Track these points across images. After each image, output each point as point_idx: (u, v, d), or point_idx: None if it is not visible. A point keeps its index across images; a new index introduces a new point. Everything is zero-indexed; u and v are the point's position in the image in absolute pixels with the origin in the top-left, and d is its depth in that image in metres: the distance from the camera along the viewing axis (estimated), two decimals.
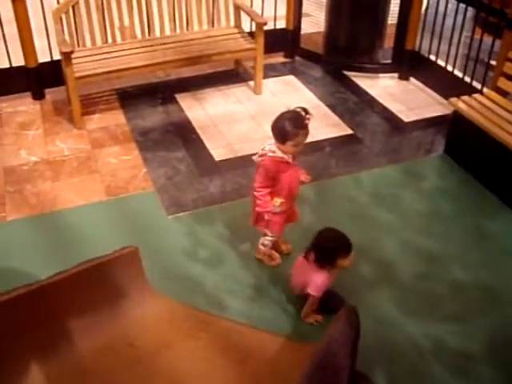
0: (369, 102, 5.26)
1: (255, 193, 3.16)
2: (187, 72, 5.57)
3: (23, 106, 5.15)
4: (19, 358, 2.57)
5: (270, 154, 3.03)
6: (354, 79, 5.61)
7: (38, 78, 5.18)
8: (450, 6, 5.05)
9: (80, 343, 2.71)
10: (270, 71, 5.62)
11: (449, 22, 5.04)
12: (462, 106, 4.20)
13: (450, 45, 5.03)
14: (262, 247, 3.41)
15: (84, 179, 4.20)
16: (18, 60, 5.10)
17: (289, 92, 5.39)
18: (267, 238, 3.34)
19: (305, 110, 2.97)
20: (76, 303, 2.74)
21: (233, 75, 5.68)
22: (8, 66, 5.12)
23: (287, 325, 3.06)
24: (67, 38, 4.83)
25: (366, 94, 5.38)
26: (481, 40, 4.72)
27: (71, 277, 2.69)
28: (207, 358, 2.79)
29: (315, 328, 2.98)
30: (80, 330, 2.73)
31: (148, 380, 2.64)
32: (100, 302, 2.80)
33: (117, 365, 2.70)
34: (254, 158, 3.12)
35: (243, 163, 4.31)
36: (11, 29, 4.94)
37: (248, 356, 2.77)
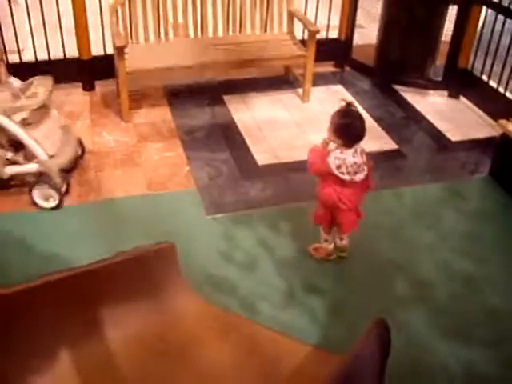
0: (416, 118, 5.20)
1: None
2: (236, 75, 5.61)
3: (73, 95, 5.24)
4: (52, 343, 2.60)
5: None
6: (403, 94, 5.57)
7: (90, 70, 5.28)
8: (506, 25, 4.97)
9: (111, 333, 2.73)
10: (319, 80, 5.60)
11: (504, 41, 4.97)
12: (511, 128, 4.13)
13: (503, 66, 4.96)
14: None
15: (127, 172, 4.26)
16: (72, 51, 5.21)
17: (336, 102, 5.35)
18: None
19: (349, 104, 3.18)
20: (110, 293, 2.76)
21: (281, 81, 5.68)
22: (62, 57, 5.24)
23: (317, 334, 3.05)
24: (121, 31, 4.91)
25: (414, 109, 5.33)
26: None
27: (108, 266, 2.70)
28: (234, 360, 2.79)
29: (345, 339, 2.95)
30: (112, 320, 2.75)
31: (175, 375, 2.65)
32: (134, 294, 2.82)
33: (146, 357, 2.71)
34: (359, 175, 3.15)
35: (286, 170, 4.32)
36: (68, 21, 5.07)
37: (275, 362, 2.76)
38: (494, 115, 4.95)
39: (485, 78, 5.27)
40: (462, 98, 5.51)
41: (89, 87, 5.34)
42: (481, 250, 3.70)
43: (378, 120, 5.09)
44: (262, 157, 4.51)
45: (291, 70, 5.65)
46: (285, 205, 3.97)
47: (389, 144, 4.77)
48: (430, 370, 2.91)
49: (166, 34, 5.20)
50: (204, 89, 5.47)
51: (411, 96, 5.53)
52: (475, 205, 4.15)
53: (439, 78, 5.64)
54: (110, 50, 5.14)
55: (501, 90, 5.08)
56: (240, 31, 5.42)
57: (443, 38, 5.59)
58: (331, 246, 3.51)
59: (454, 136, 4.92)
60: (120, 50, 4.58)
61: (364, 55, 5.95)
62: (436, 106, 5.40)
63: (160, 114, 5.05)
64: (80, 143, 4.31)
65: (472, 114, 5.30)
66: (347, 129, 3.11)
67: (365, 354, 2.34)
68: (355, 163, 3.10)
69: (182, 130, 4.82)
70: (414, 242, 3.73)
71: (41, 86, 3.86)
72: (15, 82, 3.93)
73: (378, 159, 4.48)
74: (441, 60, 5.65)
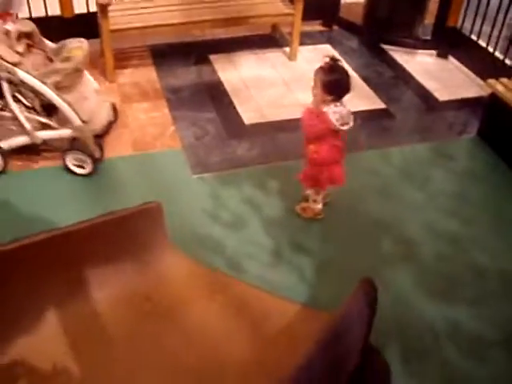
0: (404, 77, 5.15)
1: None
2: (223, 33, 5.52)
3: None
4: (37, 303, 2.59)
5: None
6: (392, 53, 5.50)
7: (74, 29, 5.14)
8: None
9: (97, 293, 2.72)
10: (307, 39, 5.52)
11: (494, 1, 4.91)
12: (499, 88, 4.09)
13: (493, 25, 4.91)
14: None
15: (112, 132, 4.19)
16: (55, 10, 5.08)
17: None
18: None
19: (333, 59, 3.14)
20: (96, 253, 2.75)
21: (268, 40, 5.60)
22: (44, 14, 5.11)
23: (305, 293, 3.05)
24: None
25: (403, 69, 5.27)
26: None
27: (93, 226, 2.68)
28: (222, 319, 2.79)
29: (333, 297, 2.96)
30: (98, 280, 2.74)
31: (162, 335, 2.65)
32: (120, 254, 2.80)
33: (132, 317, 2.71)
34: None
35: (273, 129, 4.28)
36: None
37: (263, 320, 2.76)
38: (483, 75, 4.91)
39: (474, 37, 5.22)
40: (451, 58, 5.46)
41: None
42: (469, 210, 3.69)
43: (366, 79, 5.03)
44: (248, 116, 4.45)
45: (278, 29, 5.56)
46: (272, 164, 3.94)
47: (377, 104, 4.73)
48: (416, 328, 2.92)
49: None
50: (190, 48, 5.37)
51: (399, 55, 5.47)
52: (463, 165, 4.13)
53: (428, 37, 5.59)
54: (93, 8, 5.01)
55: (490, 49, 5.03)
56: None
57: None
58: (319, 206, 3.49)
59: (442, 96, 4.88)
60: (103, 8, 4.47)
61: (352, 14, 5.87)
62: (424, 66, 5.34)
63: (145, 74, 4.97)
64: (113, 108, 4.23)
65: (460, 73, 5.25)
66: (337, 84, 3.11)
67: (352, 312, 2.34)
68: (348, 112, 3.14)
69: (167, 89, 4.75)
70: (402, 202, 3.72)
71: (75, 48, 3.77)
72: (49, 44, 3.87)
73: (365, 118, 4.46)
74: (430, 19, 5.59)
